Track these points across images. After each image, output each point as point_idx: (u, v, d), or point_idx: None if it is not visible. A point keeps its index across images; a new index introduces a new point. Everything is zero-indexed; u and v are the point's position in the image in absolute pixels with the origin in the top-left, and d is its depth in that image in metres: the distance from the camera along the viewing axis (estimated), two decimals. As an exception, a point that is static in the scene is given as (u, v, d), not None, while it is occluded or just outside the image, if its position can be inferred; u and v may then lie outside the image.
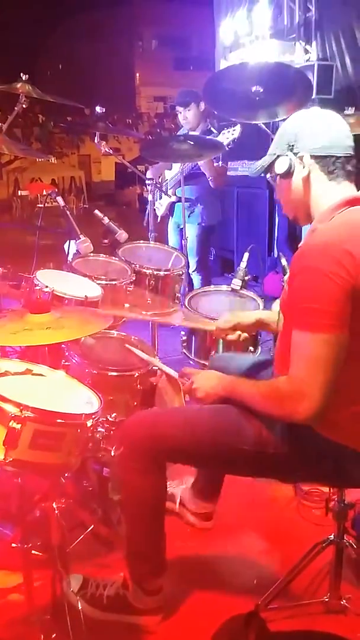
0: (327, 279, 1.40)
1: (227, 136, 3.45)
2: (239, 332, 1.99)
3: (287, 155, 1.57)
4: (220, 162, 3.93)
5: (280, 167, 1.59)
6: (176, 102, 4.09)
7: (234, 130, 3.42)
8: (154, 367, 2.19)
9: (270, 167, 1.63)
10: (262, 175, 1.70)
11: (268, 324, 1.98)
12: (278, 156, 1.60)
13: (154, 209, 3.69)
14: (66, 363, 2.19)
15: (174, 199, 3.98)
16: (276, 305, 2.42)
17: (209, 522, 2.21)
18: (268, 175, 1.68)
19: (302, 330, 1.45)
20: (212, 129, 4.01)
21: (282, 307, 1.69)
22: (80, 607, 1.72)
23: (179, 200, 3.80)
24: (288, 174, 1.58)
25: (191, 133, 3.96)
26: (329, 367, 1.42)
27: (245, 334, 2.00)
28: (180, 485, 2.27)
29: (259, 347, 2.49)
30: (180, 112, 4.03)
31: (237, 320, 1.99)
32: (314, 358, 1.43)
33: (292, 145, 1.57)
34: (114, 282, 2.60)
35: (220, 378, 1.71)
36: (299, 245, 1.59)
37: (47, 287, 2.22)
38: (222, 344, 2.40)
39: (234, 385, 1.66)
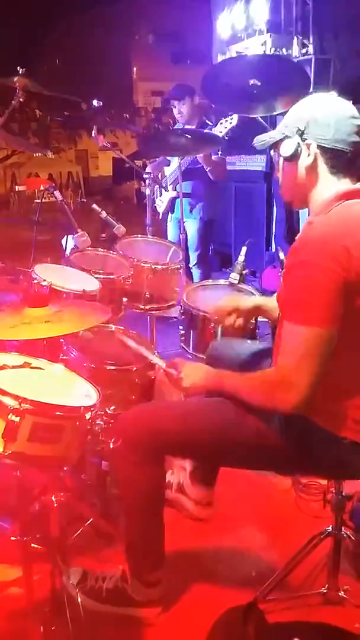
0: (321, 274, 1.41)
1: (225, 125, 3.44)
2: (234, 316, 1.97)
3: (294, 138, 1.55)
4: (219, 153, 3.92)
5: (285, 149, 1.56)
6: (170, 96, 4.08)
7: (231, 119, 3.41)
8: (144, 357, 2.19)
9: (276, 145, 1.61)
10: (267, 150, 1.68)
11: (266, 311, 1.98)
12: (286, 137, 1.57)
13: (153, 204, 3.68)
14: (64, 357, 2.19)
15: (174, 194, 3.97)
16: (273, 300, 2.43)
17: (210, 509, 2.21)
18: (272, 152, 1.66)
19: (293, 323, 1.46)
20: (207, 122, 4.00)
21: (278, 300, 1.70)
22: (79, 600, 1.73)
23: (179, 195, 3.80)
24: (292, 157, 1.56)
25: (186, 127, 3.95)
26: (317, 359, 1.44)
27: (240, 320, 1.98)
28: (180, 471, 2.27)
29: (258, 340, 2.48)
30: (175, 106, 4.02)
31: (235, 304, 1.98)
32: (303, 351, 1.44)
33: (302, 131, 1.54)
34: (111, 276, 2.60)
35: (208, 371, 1.71)
36: (296, 238, 1.59)
37: (45, 280, 2.22)
38: (221, 334, 2.40)
39: (220, 377, 1.66)
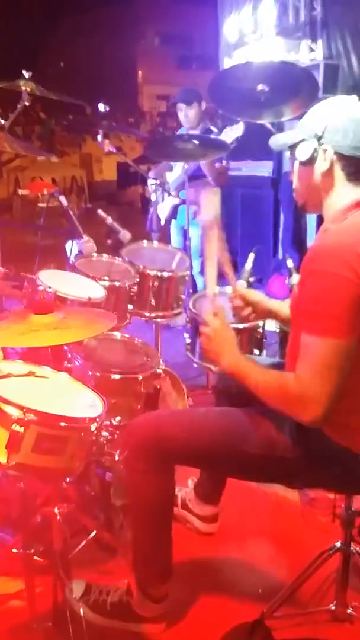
0: (337, 283, 1.38)
1: (230, 135, 3.41)
2: (249, 308, 1.92)
3: (312, 143, 1.51)
4: (223, 161, 3.90)
5: (302, 153, 1.53)
6: (178, 99, 4.04)
7: (237, 128, 3.39)
8: (152, 359, 2.16)
9: (292, 147, 1.58)
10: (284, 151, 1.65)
11: (277, 316, 1.94)
12: (303, 140, 1.53)
13: (157, 211, 3.65)
14: (69, 365, 2.16)
15: (178, 200, 3.95)
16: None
17: (215, 525, 2.19)
18: (287, 153, 1.63)
19: (310, 334, 1.43)
20: (212, 128, 3.98)
21: (291, 309, 1.66)
22: (82, 614, 1.70)
23: (183, 202, 3.77)
24: (308, 162, 1.53)
25: (191, 132, 3.93)
26: (336, 372, 1.41)
27: (249, 311, 1.92)
28: (184, 488, 2.25)
29: (264, 350, 2.46)
30: (182, 110, 3.99)
31: (260, 299, 1.92)
32: (321, 363, 1.41)
33: (320, 135, 1.51)
34: (117, 283, 2.57)
35: (233, 351, 1.63)
36: (310, 245, 1.57)
37: (49, 287, 2.20)
38: None
39: (241, 365, 1.60)
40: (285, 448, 1.56)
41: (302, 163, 1.55)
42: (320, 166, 1.52)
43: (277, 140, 1.64)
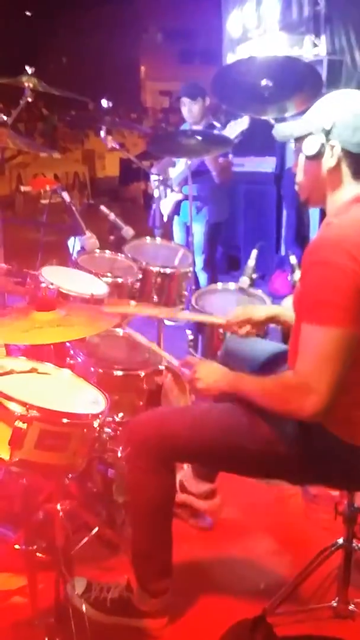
0: (339, 273, 1.37)
1: (235, 128, 3.39)
2: (247, 327, 1.94)
3: (319, 137, 1.49)
4: (230, 155, 3.88)
5: (308, 148, 1.51)
6: (183, 93, 4.02)
7: (242, 121, 3.37)
8: (154, 355, 2.16)
9: (298, 139, 1.55)
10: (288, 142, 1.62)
11: (281, 321, 1.95)
12: (310, 133, 1.51)
13: (160, 207, 3.64)
14: (71, 362, 2.16)
15: (180, 196, 3.94)
16: (284, 302, 2.39)
17: (214, 501, 2.18)
18: (292, 145, 1.61)
19: (311, 324, 1.42)
20: (215, 123, 3.96)
21: (294, 303, 1.65)
22: (84, 611, 1.70)
23: (186, 198, 3.76)
24: (315, 157, 1.51)
25: (194, 127, 3.92)
26: (337, 362, 1.39)
27: (253, 330, 1.94)
28: (180, 470, 2.23)
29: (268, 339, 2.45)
30: (185, 105, 3.97)
31: (248, 316, 1.95)
32: (321, 352, 1.40)
33: (328, 131, 1.48)
34: (119, 280, 2.57)
35: (225, 373, 1.66)
36: (312, 239, 1.56)
37: (52, 284, 2.20)
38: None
39: (238, 381, 1.61)
40: (287, 444, 1.56)
41: (308, 157, 1.53)
42: (327, 162, 1.50)
43: (281, 130, 1.61)
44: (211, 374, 1.67)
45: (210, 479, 2.16)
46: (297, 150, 1.58)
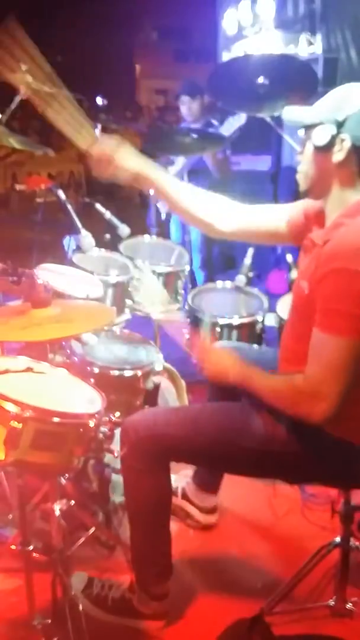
0: (358, 282, 1.35)
1: (234, 124, 3.39)
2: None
3: (330, 129, 1.44)
4: (227, 152, 3.88)
5: (318, 138, 1.45)
6: (183, 91, 4.02)
7: (239, 117, 3.36)
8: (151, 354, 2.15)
9: (308, 128, 1.49)
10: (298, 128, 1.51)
11: (146, 183, 1.80)
12: (321, 123, 1.45)
13: (157, 205, 3.63)
14: (67, 361, 2.15)
15: None
16: (280, 304, 2.39)
17: (213, 516, 2.18)
18: (302, 133, 1.53)
19: (324, 332, 1.40)
20: (213, 121, 3.96)
21: (296, 304, 1.62)
22: (83, 607, 1.68)
23: None
24: (324, 148, 1.46)
25: (193, 125, 3.91)
26: (349, 372, 1.40)
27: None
28: (184, 478, 2.23)
29: (264, 345, 2.44)
30: (185, 103, 3.97)
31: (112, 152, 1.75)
32: (335, 362, 1.39)
33: (340, 123, 1.43)
34: (115, 279, 2.55)
35: (235, 364, 1.62)
36: (325, 241, 1.49)
37: (48, 282, 2.18)
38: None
39: (246, 374, 1.58)
40: (282, 443, 1.55)
41: (316, 148, 1.47)
42: (336, 156, 1.46)
43: (291, 114, 1.53)
44: (221, 361, 1.64)
45: (213, 489, 2.16)
46: (305, 138, 1.52)
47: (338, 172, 1.48)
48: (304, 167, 1.54)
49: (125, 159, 1.78)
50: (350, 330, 1.37)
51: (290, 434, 1.55)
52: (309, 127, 1.49)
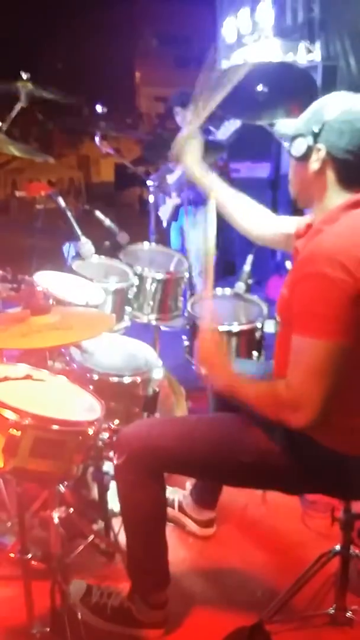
0: (333, 286, 1.36)
1: (229, 128, 3.40)
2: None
3: (307, 139, 1.47)
4: (225, 158, 3.89)
5: (295, 149, 1.50)
6: (174, 102, 4.04)
7: (234, 121, 3.38)
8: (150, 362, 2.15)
9: (292, 139, 1.53)
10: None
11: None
12: (300, 135, 1.49)
13: (157, 212, 3.64)
14: (66, 368, 2.15)
15: (178, 201, 3.94)
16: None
17: (211, 529, 2.18)
18: (287, 144, 1.58)
19: (302, 336, 1.41)
20: (210, 128, 3.97)
21: (279, 310, 1.62)
22: (81, 615, 1.68)
23: (183, 204, 3.76)
24: (302, 159, 1.50)
25: None
26: (329, 375, 1.39)
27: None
28: (182, 491, 2.23)
29: (263, 352, 2.45)
30: (179, 114, 3.98)
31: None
32: (313, 365, 1.39)
33: (316, 134, 1.46)
34: (115, 286, 2.56)
35: (228, 370, 1.63)
36: (304, 247, 1.54)
37: (47, 289, 2.18)
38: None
39: (235, 383, 1.60)
40: (277, 455, 1.55)
41: (296, 159, 1.52)
42: (313, 165, 1.49)
43: (279, 127, 1.61)
44: (217, 364, 1.65)
45: (210, 505, 2.16)
46: (289, 149, 1.56)
47: (317, 181, 1.51)
48: (290, 177, 1.60)
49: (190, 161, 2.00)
50: (326, 332, 1.37)
51: (284, 447, 1.54)
52: (293, 139, 1.53)
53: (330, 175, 1.49)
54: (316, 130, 1.46)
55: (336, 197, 1.50)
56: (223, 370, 1.63)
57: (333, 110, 1.47)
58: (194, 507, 2.17)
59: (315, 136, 1.47)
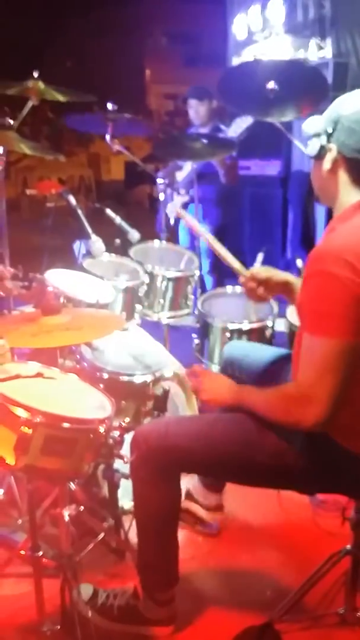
0: (340, 284, 1.35)
1: (241, 125, 3.40)
2: (260, 288, 1.88)
3: (321, 138, 1.47)
4: (234, 156, 3.88)
5: (310, 148, 1.50)
6: (190, 95, 4.04)
7: (246, 117, 3.37)
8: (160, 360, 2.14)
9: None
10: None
11: (292, 291, 1.87)
12: (317, 134, 1.49)
13: (166, 211, 3.64)
14: (77, 366, 2.15)
15: (187, 198, 3.94)
16: (290, 310, 2.38)
17: (219, 514, 2.17)
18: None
19: (311, 334, 1.41)
20: (221, 126, 3.97)
21: (298, 309, 1.64)
22: (90, 617, 1.69)
23: (192, 201, 3.76)
24: (315, 158, 1.51)
25: (201, 129, 3.93)
26: (338, 373, 1.38)
27: (262, 290, 1.87)
28: (188, 479, 2.22)
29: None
30: (192, 107, 3.99)
31: (270, 274, 1.87)
32: (322, 363, 1.39)
33: (330, 133, 1.46)
34: (125, 284, 2.56)
35: (230, 386, 1.66)
36: (316, 245, 1.54)
37: (58, 288, 2.19)
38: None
39: (242, 394, 1.61)
40: (295, 457, 1.54)
41: (312, 158, 1.52)
42: (326, 164, 1.49)
43: (305, 125, 1.55)
44: (216, 386, 1.67)
45: (218, 489, 2.15)
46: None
47: (331, 180, 1.51)
48: (311, 176, 1.59)
49: (276, 274, 1.87)
50: (334, 330, 1.37)
51: (303, 449, 1.53)
52: (311, 138, 1.53)
53: (343, 175, 1.49)
54: (330, 129, 1.46)
55: (350, 195, 1.49)
56: (229, 388, 1.65)
57: (347, 108, 1.46)
58: (201, 492, 2.15)
59: (329, 135, 1.47)
